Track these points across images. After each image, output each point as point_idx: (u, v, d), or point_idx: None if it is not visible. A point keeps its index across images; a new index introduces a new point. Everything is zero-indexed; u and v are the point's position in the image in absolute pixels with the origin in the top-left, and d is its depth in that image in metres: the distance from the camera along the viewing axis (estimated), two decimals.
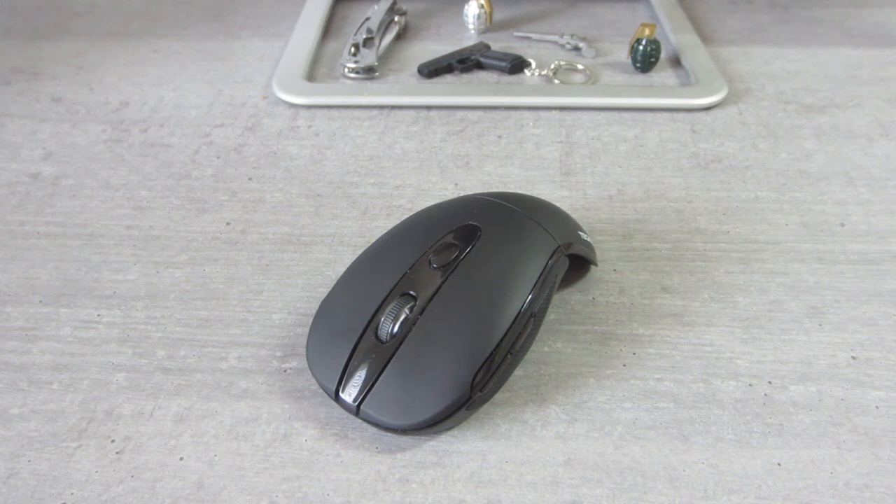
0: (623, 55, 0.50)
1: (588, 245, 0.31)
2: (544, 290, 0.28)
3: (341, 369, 0.26)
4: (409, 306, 0.26)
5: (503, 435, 0.26)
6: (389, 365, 0.25)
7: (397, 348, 0.25)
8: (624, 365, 0.29)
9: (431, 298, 0.26)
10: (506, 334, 0.26)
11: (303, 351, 0.29)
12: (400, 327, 0.26)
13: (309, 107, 0.45)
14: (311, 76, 0.48)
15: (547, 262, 0.28)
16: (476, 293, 0.26)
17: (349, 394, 0.25)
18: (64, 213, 0.37)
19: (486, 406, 0.27)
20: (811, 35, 0.53)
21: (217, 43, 0.53)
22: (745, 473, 0.25)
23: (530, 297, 0.27)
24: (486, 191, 0.38)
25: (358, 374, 0.25)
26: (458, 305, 0.26)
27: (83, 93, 0.47)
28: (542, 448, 0.26)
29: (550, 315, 0.31)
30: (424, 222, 0.30)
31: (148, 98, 0.46)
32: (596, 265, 0.33)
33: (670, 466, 0.25)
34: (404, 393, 0.25)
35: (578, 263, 0.32)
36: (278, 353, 0.29)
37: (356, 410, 0.25)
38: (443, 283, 0.26)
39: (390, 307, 0.26)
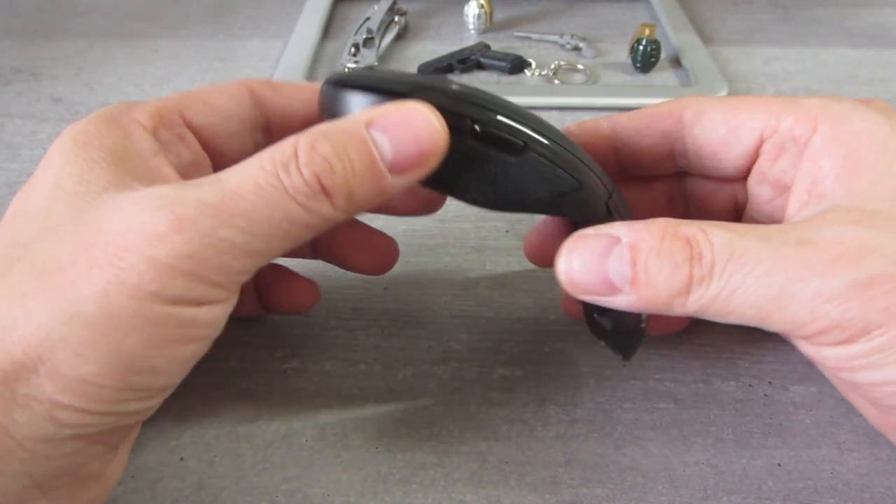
0: (623, 55, 0.50)
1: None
2: None
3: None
4: None
5: (503, 435, 0.26)
6: None
7: None
8: (624, 365, 0.29)
9: None
10: None
11: (303, 351, 0.29)
12: None
13: None
14: (311, 76, 0.48)
15: None
16: None
17: None
18: None
19: (486, 406, 0.27)
20: (811, 35, 0.53)
21: (217, 43, 0.53)
22: (745, 473, 0.25)
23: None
24: None
25: None
26: None
27: (83, 93, 0.47)
28: (542, 448, 0.26)
29: (550, 315, 0.31)
30: None
31: (148, 98, 0.46)
32: None
33: (670, 466, 0.25)
34: None
35: None
36: (278, 354, 0.29)
37: None
38: None
39: None
